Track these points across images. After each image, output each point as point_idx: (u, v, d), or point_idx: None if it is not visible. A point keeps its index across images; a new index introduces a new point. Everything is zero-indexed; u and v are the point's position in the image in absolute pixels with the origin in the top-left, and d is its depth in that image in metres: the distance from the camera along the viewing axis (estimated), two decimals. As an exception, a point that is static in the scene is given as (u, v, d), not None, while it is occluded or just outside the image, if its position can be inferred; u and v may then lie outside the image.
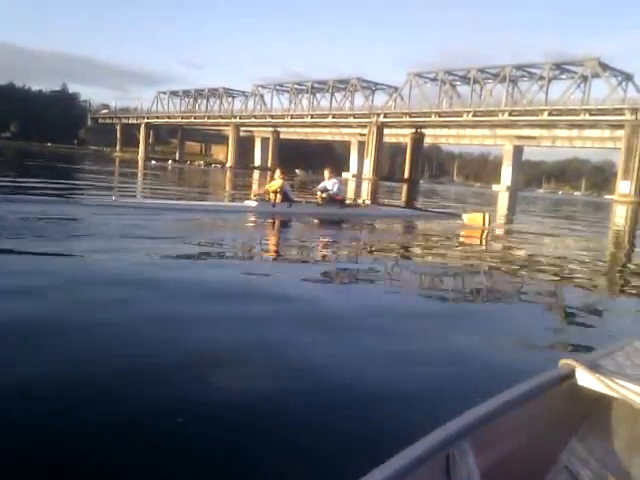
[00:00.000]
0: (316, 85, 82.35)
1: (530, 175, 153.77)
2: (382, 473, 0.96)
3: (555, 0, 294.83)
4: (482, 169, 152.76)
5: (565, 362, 1.51)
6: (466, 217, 11.23)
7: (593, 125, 63.89)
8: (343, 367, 2.71)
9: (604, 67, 59.46)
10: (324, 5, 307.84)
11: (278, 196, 10.34)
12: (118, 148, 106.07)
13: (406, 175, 76.98)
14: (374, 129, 73.83)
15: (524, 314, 4.25)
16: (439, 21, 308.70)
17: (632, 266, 7.97)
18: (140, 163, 63.20)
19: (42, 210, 7.68)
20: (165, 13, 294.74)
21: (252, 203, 10.15)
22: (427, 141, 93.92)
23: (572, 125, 66.67)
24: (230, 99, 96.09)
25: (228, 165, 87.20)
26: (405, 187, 52.72)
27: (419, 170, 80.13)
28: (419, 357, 2.97)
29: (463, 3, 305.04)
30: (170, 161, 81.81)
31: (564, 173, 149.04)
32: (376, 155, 74.70)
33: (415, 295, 4.70)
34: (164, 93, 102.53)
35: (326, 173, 11.56)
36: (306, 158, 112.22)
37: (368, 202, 11.54)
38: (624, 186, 55.84)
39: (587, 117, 58.41)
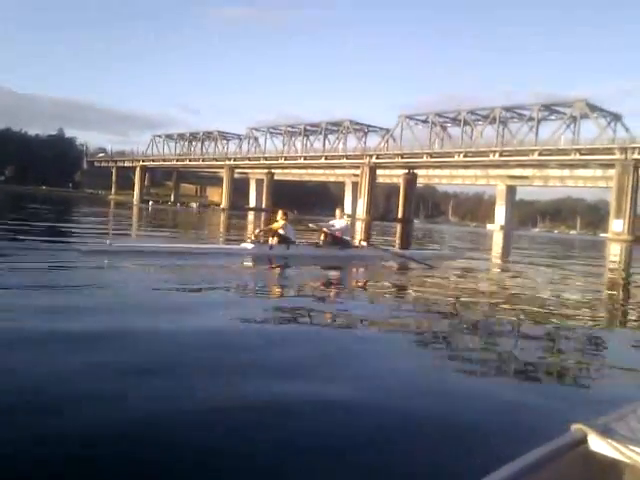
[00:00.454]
0: (309, 127, 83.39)
1: (525, 214, 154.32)
2: None
3: (549, 44, 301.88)
4: (477, 208, 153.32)
5: (577, 427, 1.45)
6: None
7: (584, 165, 64.35)
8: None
9: (592, 108, 60.29)
10: (318, 49, 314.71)
11: (275, 238, 10.10)
12: (113, 191, 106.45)
13: (400, 215, 77.08)
14: (367, 170, 74.34)
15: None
16: (434, 65, 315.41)
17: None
18: (135, 205, 62.91)
19: (32, 261, 6.93)
20: (165, 60, 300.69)
21: (249, 245, 9.83)
22: (420, 181, 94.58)
23: (563, 165, 67.16)
24: (225, 142, 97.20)
25: (222, 206, 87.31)
26: (399, 227, 52.58)
27: (413, 210, 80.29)
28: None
29: (459, 45, 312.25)
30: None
31: (559, 212, 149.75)
32: (369, 195, 75.00)
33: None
34: (159, 136, 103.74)
35: (337, 212, 11.31)
36: (301, 199, 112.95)
37: (364, 244, 11.34)
38: (617, 225, 55.82)
39: (578, 157, 58.91)
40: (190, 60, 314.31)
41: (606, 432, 1.43)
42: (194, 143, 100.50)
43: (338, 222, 10.97)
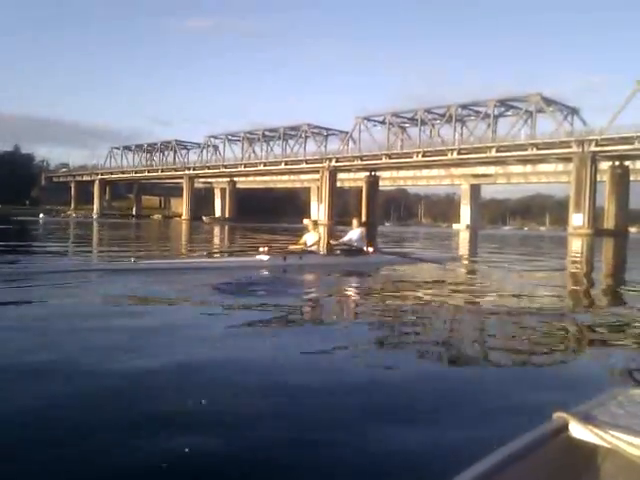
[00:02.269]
0: (268, 133, 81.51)
1: (496, 212, 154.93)
2: None
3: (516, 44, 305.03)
4: (449, 209, 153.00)
5: (558, 414, 1.47)
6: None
7: (542, 160, 63.49)
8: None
9: (548, 102, 59.45)
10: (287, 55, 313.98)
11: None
12: (72, 206, 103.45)
13: (363, 219, 75.40)
14: (326, 174, 72.74)
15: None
16: (397, 66, 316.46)
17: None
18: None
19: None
20: (131, 73, 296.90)
21: (264, 257, 9.70)
22: (385, 184, 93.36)
23: (525, 161, 66.23)
24: (185, 151, 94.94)
25: (183, 218, 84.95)
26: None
27: (378, 213, 78.71)
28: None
29: (423, 51, 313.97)
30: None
31: (529, 209, 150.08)
32: (330, 200, 73.38)
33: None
34: (117, 148, 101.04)
35: (354, 222, 11.44)
36: (269, 207, 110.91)
37: (370, 249, 11.14)
38: (577, 219, 54.86)
39: (535, 151, 57.97)
40: (156, 72, 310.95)
41: (587, 419, 1.44)
42: (155, 154, 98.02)
43: (354, 233, 11.03)
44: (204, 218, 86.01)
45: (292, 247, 10.57)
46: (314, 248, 10.18)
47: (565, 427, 1.44)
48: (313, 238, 10.27)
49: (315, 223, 11.03)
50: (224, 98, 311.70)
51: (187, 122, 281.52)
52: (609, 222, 59.26)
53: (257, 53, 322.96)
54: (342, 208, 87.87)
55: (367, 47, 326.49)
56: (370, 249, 11.06)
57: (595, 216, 57.82)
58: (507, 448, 1.30)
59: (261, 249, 10.08)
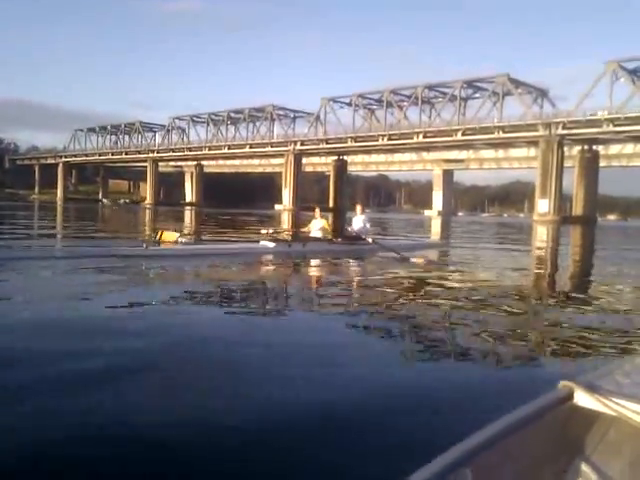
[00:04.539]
0: (233, 115, 78.53)
1: (476, 199, 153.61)
2: None
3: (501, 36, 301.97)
4: (429, 195, 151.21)
5: (564, 383, 1.51)
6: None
7: (511, 144, 61.36)
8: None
9: (516, 84, 57.15)
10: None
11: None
12: (37, 190, 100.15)
13: (331, 204, 73.01)
14: (291, 158, 70.13)
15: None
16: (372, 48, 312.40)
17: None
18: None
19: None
20: (114, 58, 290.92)
21: (270, 244, 10.03)
22: (357, 169, 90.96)
23: (494, 145, 64.06)
24: (152, 134, 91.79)
25: (147, 202, 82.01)
26: (331, 217, 48.30)
27: (345, 198, 76.16)
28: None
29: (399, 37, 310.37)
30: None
31: (509, 196, 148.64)
32: (295, 185, 70.88)
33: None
34: (81, 130, 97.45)
35: (358, 208, 11.54)
36: (242, 192, 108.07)
37: (369, 239, 11.11)
38: (542, 205, 52.89)
39: (501, 135, 55.76)
40: (139, 56, 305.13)
41: (592, 387, 1.46)
42: (121, 136, 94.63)
43: (358, 220, 11.24)
44: (104, 200, 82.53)
45: (302, 230, 11.10)
46: (319, 235, 10.52)
47: (570, 395, 1.46)
48: (319, 225, 10.68)
49: (321, 210, 11.27)
50: (205, 81, 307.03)
51: (168, 106, 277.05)
52: (577, 209, 57.45)
53: (238, 43, 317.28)
54: (321, 194, 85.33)
55: (340, 32, 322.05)
56: (369, 239, 11.06)
57: (563, 202, 56.08)
58: (513, 415, 1.31)
59: (263, 231, 10.69)
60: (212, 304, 5.32)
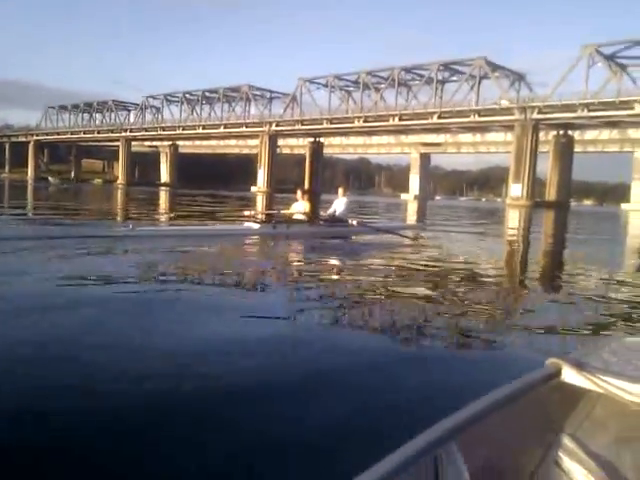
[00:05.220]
0: (208, 94, 76.92)
1: (455, 184, 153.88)
2: (369, 477, 0.95)
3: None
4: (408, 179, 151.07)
5: (552, 361, 1.52)
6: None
7: (487, 128, 61.01)
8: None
9: (494, 67, 56.55)
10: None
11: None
12: (7, 169, 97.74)
13: (306, 186, 72.16)
14: (266, 139, 68.98)
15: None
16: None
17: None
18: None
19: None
20: (100, 38, 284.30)
21: (254, 225, 9.98)
22: (335, 151, 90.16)
23: (471, 129, 63.65)
24: (125, 112, 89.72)
25: (119, 182, 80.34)
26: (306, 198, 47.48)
27: (321, 180, 75.35)
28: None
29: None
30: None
31: (488, 181, 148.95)
32: (270, 166, 69.84)
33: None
34: (53, 108, 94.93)
35: (340, 191, 11.44)
36: (220, 173, 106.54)
37: (354, 222, 11.09)
38: (515, 189, 52.72)
39: (477, 118, 55.27)
40: (124, 36, 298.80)
41: (579, 365, 1.48)
42: (94, 115, 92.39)
43: (339, 203, 11.15)
44: (50, 179, 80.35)
45: (283, 212, 10.98)
46: (301, 217, 10.44)
47: (558, 372, 1.48)
48: (302, 207, 10.56)
49: (304, 192, 11.16)
50: (188, 60, 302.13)
51: (153, 86, 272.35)
52: (551, 194, 57.40)
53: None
54: (300, 176, 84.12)
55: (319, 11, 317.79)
56: (354, 222, 11.02)
57: (537, 187, 55.96)
58: (500, 391, 1.33)
59: (247, 213, 10.70)
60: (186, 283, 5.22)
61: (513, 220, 27.28)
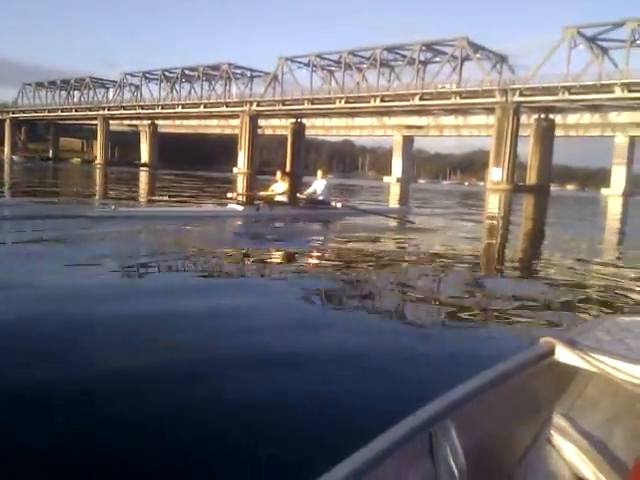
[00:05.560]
0: (187, 72, 75.36)
1: (439, 167, 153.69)
2: (364, 454, 0.96)
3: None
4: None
5: (545, 339, 1.53)
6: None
7: (468, 110, 60.51)
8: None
9: (476, 48, 55.91)
10: None
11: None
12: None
13: (287, 168, 71.32)
14: (246, 119, 67.89)
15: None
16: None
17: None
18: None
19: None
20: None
21: (238, 207, 10.03)
22: (318, 132, 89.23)
23: (452, 111, 63.11)
24: (103, 90, 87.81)
25: (97, 162, 78.90)
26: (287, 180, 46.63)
27: (302, 162, 74.52)
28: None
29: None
30: None
31: (472, 165, 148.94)
32: (250, 147, 68.84)
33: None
34: (29, 85, 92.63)
35: (319, 173, 11.57)
36: (202, 154, 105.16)
37: (339, 205, 11.33)
38: (496, 173, 52.43)
39: (458, 100, 54.70)
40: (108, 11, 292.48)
41: (573, 343, 1.49)
42: (72, 92, 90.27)
43: (319, 184, 11.25)
44: (14, 157, 76.98)
45: (262, 194, 10.99)
46: (282, 198, 10.47)
47: (552, 351, 1.48)
48: (281, 188, 10.56)
49: (284, 174, 11.25)
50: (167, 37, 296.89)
51: (136, 64, 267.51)
52: (531, 178, 57.24)
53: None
54: (284, 158, 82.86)
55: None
56: (339, 204, 11.22)
57: (518, 171, 55.70)
58: (495, 369, 1.34)
59: (230, 195, 10.61)
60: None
61: (493, 204, 27.06)
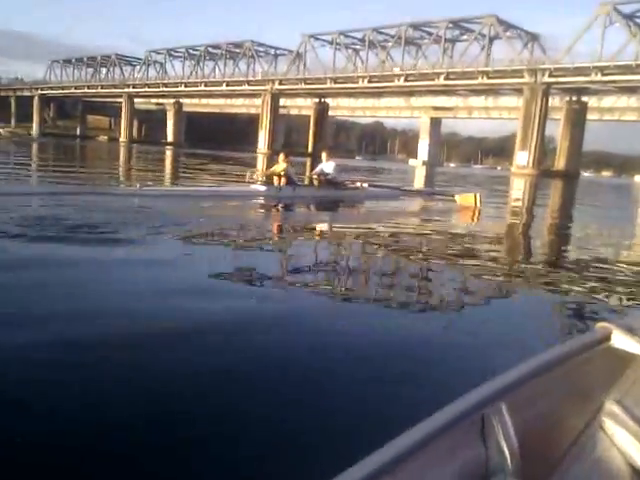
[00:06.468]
0: (211, 49, 74.41)
1: (471, 151, 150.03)
2: (418, 432, 0.98)
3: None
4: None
5: (601, 325, 1.53)
6: (458, 197, 11.78)
7: (496, 91, 58.16)
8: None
9: (506, 26, 53.42)
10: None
11: (282, 179, 10.75)
12: (13, 124, 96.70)
13: (310, 149, 70.09)
14: (268, 98, 66.73)
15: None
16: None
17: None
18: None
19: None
20: None
21: (261, 187, 10.46)
22: (343, 113, 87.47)
23: (480, 91, 60.81)
24: (130, 67, 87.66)
25: (122, 140, 78.98)
26: (309, 162, 45.35)
27: (325, 143, 72.99)
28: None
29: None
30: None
31: (504, 149, 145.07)
32: (272, 126, 67.75)
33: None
34: (57, 62, 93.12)
35: (323, 155, 11.89)
36: (229, 133, 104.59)
37: (365, 185, 11.73)
38: (522, 157, 50.27)
39: (485, 80, 52.43)
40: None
41: (630, 329, 1.48)
42: (99, 69, 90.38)
43: (327, 166, 11.46)
44: (1, 131, 75.85)
45: (267, 172, 11.48)
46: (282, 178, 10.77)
47: (608, 337, 1.47)
48: (280, 168, 10.83)
49: (286, 155, 11.45)
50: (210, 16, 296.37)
51: (165, 42, 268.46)
52: (560, 163, 54.83)
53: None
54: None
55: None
56: (365, 184, 11.67)
57: (547, 156, 53.45)
58: (549, 353, 1.34)
59: (248, 174, 11.08)
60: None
61: (517, 190, 25.72)
